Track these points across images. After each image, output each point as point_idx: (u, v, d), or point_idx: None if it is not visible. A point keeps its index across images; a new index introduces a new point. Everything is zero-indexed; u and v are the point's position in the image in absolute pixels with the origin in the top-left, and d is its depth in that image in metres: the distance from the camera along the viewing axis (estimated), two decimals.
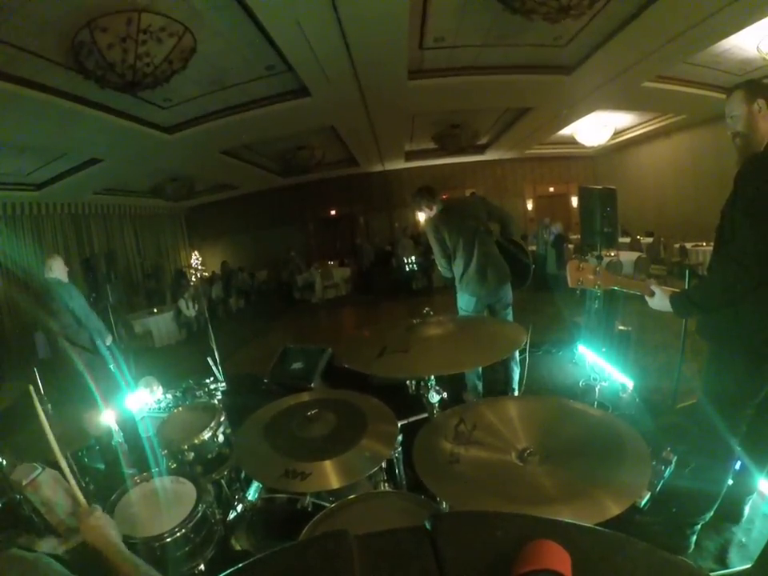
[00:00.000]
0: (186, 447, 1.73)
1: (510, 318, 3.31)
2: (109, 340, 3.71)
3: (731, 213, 1.53)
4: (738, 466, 1.79)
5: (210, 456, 1.80)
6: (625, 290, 1.81)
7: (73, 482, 1.11)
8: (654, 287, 1.68)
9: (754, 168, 1.48)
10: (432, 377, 1.70)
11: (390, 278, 10.48)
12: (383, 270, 10.98)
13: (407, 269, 9.94)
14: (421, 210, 3.33)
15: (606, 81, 6.29)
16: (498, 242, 3.27)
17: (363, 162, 11.36)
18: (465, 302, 3.23)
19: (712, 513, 1.76)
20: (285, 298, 11.10)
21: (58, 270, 3.58)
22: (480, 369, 3.17)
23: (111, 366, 3.44)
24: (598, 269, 1.72)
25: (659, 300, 1.66)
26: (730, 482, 1.80)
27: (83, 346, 3.40)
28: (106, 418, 1.78)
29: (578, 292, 1.93)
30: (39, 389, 2.20)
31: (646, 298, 1.71)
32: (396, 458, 1.68)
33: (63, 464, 1.12)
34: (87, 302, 3.60)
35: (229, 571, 0.58)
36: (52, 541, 1.23)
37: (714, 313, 1.60)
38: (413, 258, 9.95)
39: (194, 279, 9.97)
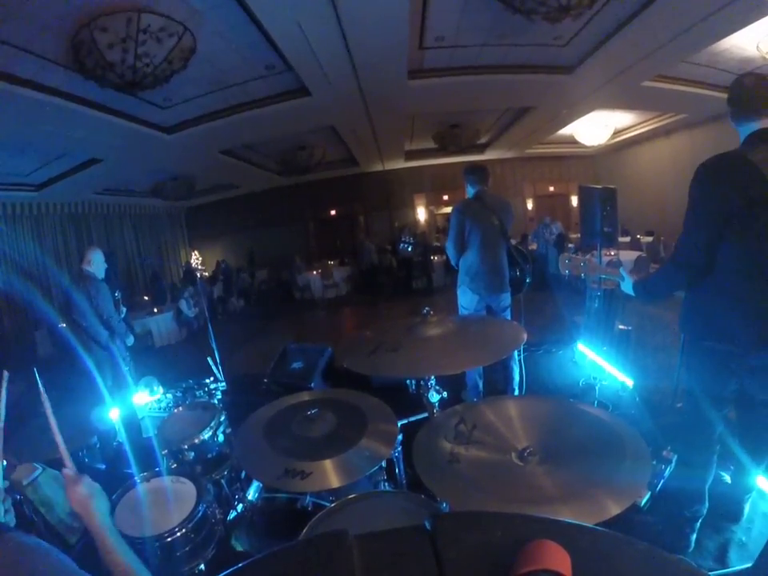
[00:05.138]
0: (186, 447, 1.73)
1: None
2: (130, 341, 3.74)
3: None
4: (735, 464, 1.79)
5: (210, 455, 1.80)
6: (607, 278, 1.99)
7: (60, 438, 1.09)
8: (623, 272, 1.86)
9: (702, 170, 1.52)
10: (432, 376, 1.70)
11: (391, 277, 10.49)
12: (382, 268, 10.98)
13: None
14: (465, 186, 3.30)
15: (606, 80, 6.28)
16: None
17: (363, 162, 11.34)
18: (468, 301, 3.20)
19: (704, 507, 1.75)
20: (285, 298, 11.10)
21: (96, 265, 3.54)
22: (481, 368, 3.17)
23: (126, 369, 3.45)
24: (585, 258, 1.95)
25: (626, 285, 1.83)
26: (728, 480, 1.79)
27: (99, 343, 3.41)
28: (112, 416, 1.79)
29: (585, 289, 2.16)
30: (39, 388, 2.19)
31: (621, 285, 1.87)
32: (396, 457, 1.69)
33: (52, 419, 1.10)
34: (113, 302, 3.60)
35: (228, 571, 0.58)
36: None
37: (685, 305, 1.71)
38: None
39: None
